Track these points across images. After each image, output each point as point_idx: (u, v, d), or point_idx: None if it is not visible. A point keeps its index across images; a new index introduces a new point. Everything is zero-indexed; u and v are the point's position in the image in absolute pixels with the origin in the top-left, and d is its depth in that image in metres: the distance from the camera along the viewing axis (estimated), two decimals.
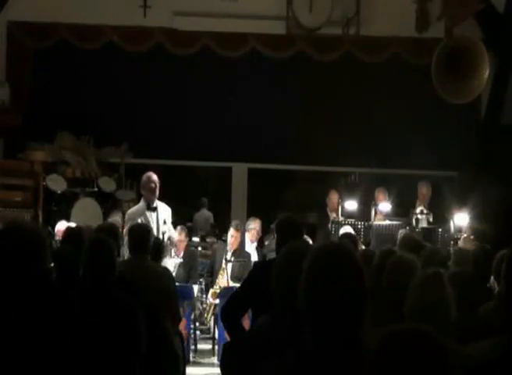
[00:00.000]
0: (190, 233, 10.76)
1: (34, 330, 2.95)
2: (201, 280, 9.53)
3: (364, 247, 9.08)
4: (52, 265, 4.63)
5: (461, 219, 9.89)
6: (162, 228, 7.81)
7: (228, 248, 9.37)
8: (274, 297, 3.01)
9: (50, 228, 9.39)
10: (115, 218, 9.71)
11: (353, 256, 2.44)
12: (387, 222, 10.06)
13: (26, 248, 2.98)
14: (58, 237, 8.07)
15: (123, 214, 10.52)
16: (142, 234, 5.96)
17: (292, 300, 2.83)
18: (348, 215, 10.47)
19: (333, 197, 11.00)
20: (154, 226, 7.66)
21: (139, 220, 7.57)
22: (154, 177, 7.87)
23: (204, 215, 13.79)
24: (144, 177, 7.93)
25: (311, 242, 6.97)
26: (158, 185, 7.84)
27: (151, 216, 7.78)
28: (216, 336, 8.94)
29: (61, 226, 8.64)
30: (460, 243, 8.81)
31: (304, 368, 2.37)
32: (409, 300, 3.31)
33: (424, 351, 1.83)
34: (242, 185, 12.47)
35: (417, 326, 1.93)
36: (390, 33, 11.50)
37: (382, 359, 1.84)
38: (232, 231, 9.41)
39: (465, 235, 9.35)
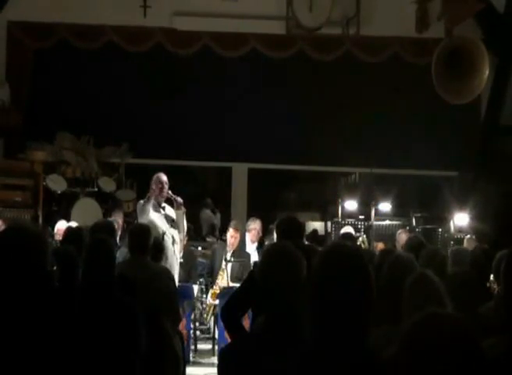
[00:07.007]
0: (189, 232, 10.74)
1: (34, 330, 2.95)
2: (201, 280, 9.52)
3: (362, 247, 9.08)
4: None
5: (461, 219, 9.90)
6: (170, 230, 7.83)
7: (228, 248, 9.36)
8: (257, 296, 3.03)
9: (50, 228, 9.38)
10: (116, 218, 9.69)
11: (361, 258, 2.47)
12: (387, 222, 10.06)
13: (27, 250, 2.98)
14: (59, 236, 8.06)
15: (124, 214, 10.53)
16: (142, 234, 5.96)
17: (271, 301, 2.85)
18: (348, 215, 10.46)
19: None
20: (164, 226, 7.73)
21: (151, 217, 7.59)
22: (165, 178, 7.92)
23: (208, 215, 13.76)
24: (155, 178, 7.96)
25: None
26: (167, 186, 7.89)
27: (161, 217, 7.79)
28: (216, 336, 8.93)
29: (61, 225, 8.64)
30: (465, 244, 8.79)
31: (305, 368, 2.37)
32: (402, 304, 3.32)
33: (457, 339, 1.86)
34: (242, 185, 12.46)
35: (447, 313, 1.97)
36: (390, 33, 11.50)
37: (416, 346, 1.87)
38: (231, 231, 9.40)
39: (469, 236, 9.33)
